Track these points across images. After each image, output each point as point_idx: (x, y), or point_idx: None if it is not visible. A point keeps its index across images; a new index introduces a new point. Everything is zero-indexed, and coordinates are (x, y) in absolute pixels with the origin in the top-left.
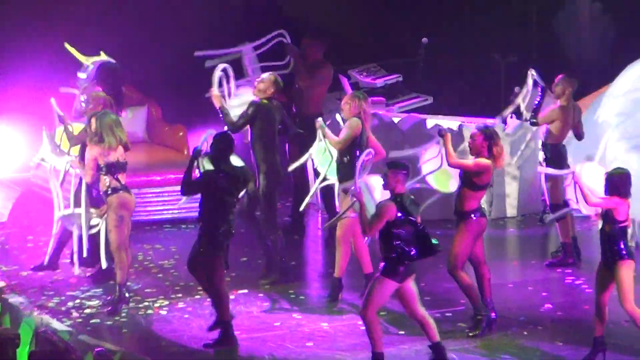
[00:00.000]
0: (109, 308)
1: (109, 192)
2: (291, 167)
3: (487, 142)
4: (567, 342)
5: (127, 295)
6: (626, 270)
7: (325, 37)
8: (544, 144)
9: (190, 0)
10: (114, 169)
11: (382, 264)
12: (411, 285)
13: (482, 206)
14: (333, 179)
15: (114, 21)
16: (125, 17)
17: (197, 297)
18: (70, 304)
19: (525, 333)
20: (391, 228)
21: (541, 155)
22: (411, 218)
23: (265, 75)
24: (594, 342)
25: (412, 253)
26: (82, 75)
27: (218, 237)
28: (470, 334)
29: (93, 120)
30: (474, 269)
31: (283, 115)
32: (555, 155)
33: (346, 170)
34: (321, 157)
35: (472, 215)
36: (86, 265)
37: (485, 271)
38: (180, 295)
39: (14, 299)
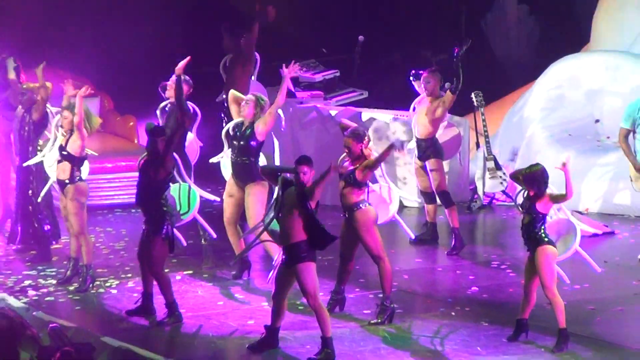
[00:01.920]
0: (79, 287)
1: (67, 181)
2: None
3: (360, 145)
4: (493, 322)
5: (92, 275)
6: (546, 256)
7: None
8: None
9: None
10: (79, 160)
11: (297, 251)
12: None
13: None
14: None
15: (67, 17)
16: (79, 12)
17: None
18: (26, 282)
19: (452, 314)
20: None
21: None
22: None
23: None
24: (518, 323)
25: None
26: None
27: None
28: (372, 322)
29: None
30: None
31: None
32: (436, 148)
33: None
34: None
35: (361, 205)
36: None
37: (352, 265)
38: (130, 275)
39: None
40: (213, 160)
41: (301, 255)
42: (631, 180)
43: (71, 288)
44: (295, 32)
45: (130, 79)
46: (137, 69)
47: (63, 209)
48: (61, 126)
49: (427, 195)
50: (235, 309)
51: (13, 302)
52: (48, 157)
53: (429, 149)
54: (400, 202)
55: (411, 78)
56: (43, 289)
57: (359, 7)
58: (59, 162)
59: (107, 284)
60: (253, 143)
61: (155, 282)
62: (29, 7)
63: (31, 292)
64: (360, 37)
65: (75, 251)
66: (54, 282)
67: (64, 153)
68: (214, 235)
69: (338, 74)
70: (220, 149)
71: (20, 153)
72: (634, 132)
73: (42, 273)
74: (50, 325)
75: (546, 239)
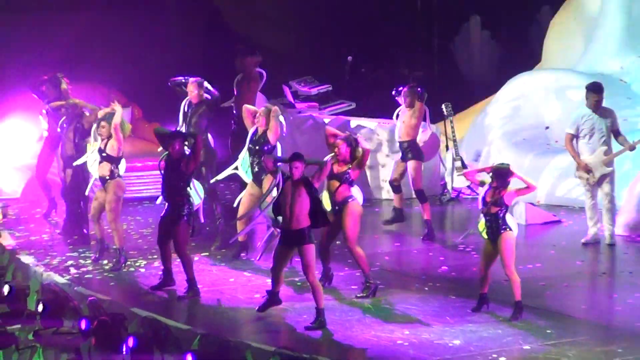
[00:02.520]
0: (114, 266)
1: (108, 177)
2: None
3: (350, 148)
4: (459, 296)
5: (125, 256)
6: (509, 240)
7: (257, 55)
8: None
9: (161, 22)
10: (117, 160)
11: (302, 235)
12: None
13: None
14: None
15: (101, 39)
16: (112, 37)
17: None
18: (69, 262)
19: (426, 289)
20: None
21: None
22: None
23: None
24: (480, 296)
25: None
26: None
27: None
28: (358, 295)
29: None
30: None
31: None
32: (416, 150)
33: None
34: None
35: (351, 199)
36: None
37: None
38: (155, 256)
39: (25, 258)
40: (228, 171)
41: (306, 238)
42: (575, 177)
43: (106, 267)
44: (295, 53)
45: (156, 92)
46: (161, 84)
47: (101, 201)
48: (99, 134)
49: (394, 187)
50: (244, 285)
51: (58, 279)
52: (90, 158)
53: (409, 150)
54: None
55: (394, 93)
56: (83, 267)
57: (349, 32)
58: (100, 162)
59: (137, 264)
60: (266, 147)
61: (176, 261)
62: (68, 30)
63: (73, 271)
64: (349, 57)
65: (100, 234)
66: (91, 262)
67: (104, 155)
68: (202, 220)
69: (330, 88)
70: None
71: (70, 156)
72: (578, 137)
73: (82, 255)
74: (89, 298)
75: (508, 227)
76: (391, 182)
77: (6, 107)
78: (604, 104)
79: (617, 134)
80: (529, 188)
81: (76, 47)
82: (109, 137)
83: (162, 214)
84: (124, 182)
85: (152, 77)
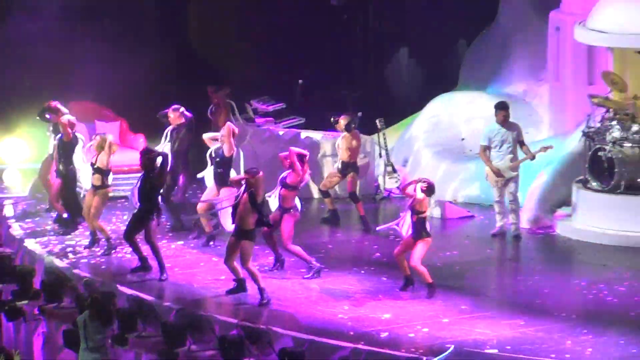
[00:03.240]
0: (104, 252)
1: (99, 186)
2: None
3: (300, 160)
4: (389, 277)
5: (112, 245)
6: (426, 243)
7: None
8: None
9: (144, 47)
10: (106, 172)
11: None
12: None
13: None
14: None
15: (96, 58)
16: (102, 58)
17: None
18: (68, 249)
19: (362, 272)
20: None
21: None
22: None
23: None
24: (405, 278)
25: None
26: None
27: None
28: (305, 277)
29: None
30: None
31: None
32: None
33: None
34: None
35: (291, 210)
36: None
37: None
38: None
39: (31, 246)
40: (199, 175)
41: (250, 236)
42: (486, 179)
43: (98, 253)
44: (254, 76)
45: (140, 108)
46: (145, 102)
47: (90, 203)
48: (95, 149)
49: (323, 193)
50: (212, 268)
51: (58, 263)
52: (83, 170)
53: (349, 168)
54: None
55: (332, 120)
56: (79, 254)
57: (300, 59)
58: (93, 174)
59: (124, 251)
60: (222, 159)
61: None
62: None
63: (71, 256)
64: (300, 81)
65: (94, 228)
66: (86, 249)
67: (95, 167)
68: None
69: (284, 106)
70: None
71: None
72: (490, 148)
73: (78, 243)
74: (84, 279)
75: (428, 233)
76: (321, 190)
77: (15, 120)
78: (510, 119)
79: (522, 144)
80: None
81: (70, 67)
82: (99, 153)
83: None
84: (109, 190)
85: (137, 95)
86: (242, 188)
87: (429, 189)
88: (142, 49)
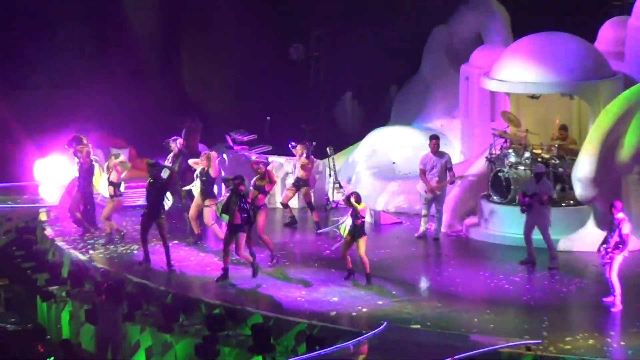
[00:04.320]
0: (105, 243)
1: (112, 195)
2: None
3: (267, 172)
4: (336, 270)
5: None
6: (364, 242)
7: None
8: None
9: (151, 85)
10: (117, 184)
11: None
12: None
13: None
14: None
15: (107, 96)
16: (112, 92)
17: (153, 244)
18: (89, 245)
19: (316, 265)
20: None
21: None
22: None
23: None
24: (349, 270)
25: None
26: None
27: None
28: (269, 264)
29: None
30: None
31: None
32: (307, 182)
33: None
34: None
35: (262, 207)
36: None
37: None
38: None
39: (60, 243)
40: (185, 188)
41: (241, 229)
42: (424, 193)
43: (112, 249)
44: (232, 113)
45: (147, 137)
46: (148, 132)
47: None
48: (107, 168)
49: (284, 205)
50: (200, 261)
51: (81, 257)
52: (102, 184)
53: (303, 182)
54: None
55: (290, 146)
56: (97, 250)
57: (268, 101)
58: (108, 185)
59: (132, 248)
60: (208, 179)
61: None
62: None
63: (91, 252)
64: (268, 118)
65: (109, 229)
66: (102, 245)
67: (109, 181)
68: None
69: (256, 136)
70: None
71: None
72: (425, 171)
73: (96, 242)
74: (100, 269)
75: (365, 233)
76: (282, 204)
77: (49, 147)
78: (441, 148)
79: (449, 170)
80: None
81: (88, 102)
82: (110, 170)
83: (142, 215)
84: (121, 200)
85: (144, 126)
86: (230, 192)
87: (358, 198)
88: (146, 89)
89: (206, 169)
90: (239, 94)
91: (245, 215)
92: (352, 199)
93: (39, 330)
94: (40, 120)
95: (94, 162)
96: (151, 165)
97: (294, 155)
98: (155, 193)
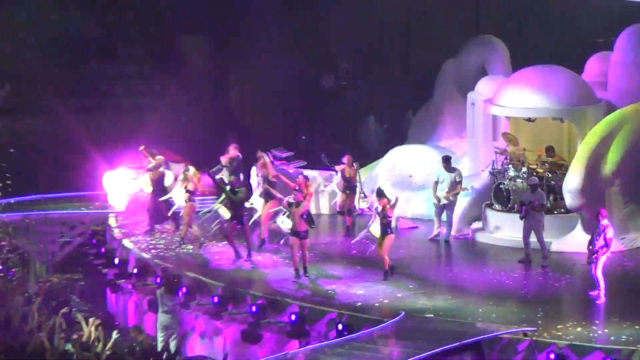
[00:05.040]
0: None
1: (187, 201)
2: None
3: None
4: (362, 267)
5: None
6: (390, 239)
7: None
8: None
9: (203, 107)
10: (192, 192)
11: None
12: None
13: None
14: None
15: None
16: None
17: (207, 245)
18: (150, 245)
19: (344, 262)
20: None
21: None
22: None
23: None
24: (390, 268)
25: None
26: None
27: None
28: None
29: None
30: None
31: None
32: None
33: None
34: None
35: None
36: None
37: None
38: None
39: (127, 244)
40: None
41: (306, 235)
42: (433, 202)
43: (177, 250)
44: (273, 133)
45: (199, 152)
46: (201, 148)
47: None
48: (183, 179)
49: (340, 212)
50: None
51: (145, 255)
52: (178, 193)
53: (350, 189)
54: None
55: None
56: (158, 250)
57: (303, 123)
58: (185, 193)
59: (187, 248)
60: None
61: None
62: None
63: (153, 251)
64: (303, 137)
65: (184, 232)
66: (162, 245)
67: (186, 189)
68: None
69: (292, 153)
70: None
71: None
72: (437, 183)
73: (158, 242)
74: (161, 266)
75: (391, 231)
76: (338, 210)
77: (116, 161)
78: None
79: (459, 183)
80: (393, 208)
81: (150, 123)
82: (186, 181)
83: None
84: (194, 205)
85: (196, 143)
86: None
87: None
88: (199, 111)
89: (265, 174)
90: (278, 116)
91: (309, 223)
92: (385, 200)
93: (108, 318)
94: (109, 138)
95: (164, 171)
96: (220, 185)
97: (326, 169)
98: (234, 208)
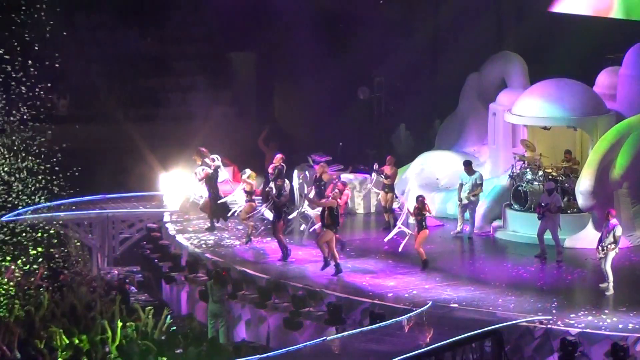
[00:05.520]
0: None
1: (247, 200)
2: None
3: (343, 187)
4: (393, 261)
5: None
6: (423, 234)
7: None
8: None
9: (249, 117)
10: (250, 193)
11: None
12: None
13: None
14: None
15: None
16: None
17: (254, 241)
18: (202, 241)
19: (377, 257)
20: None
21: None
22: None
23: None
24: (422, 262)
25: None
26: None
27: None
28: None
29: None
30: None
31: None
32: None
33: None
34: None
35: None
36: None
37: None
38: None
39: (181, 239)
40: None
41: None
42: (457, 200)
43: (220, 244)
44: (312, 140)
45: (245, 157)
46: (248, 153)
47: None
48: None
49: (385, 208)
50: (306, 256)
51: (197, 250)
52: (238, 194)
53: (389, 188)
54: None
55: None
56: (209, 244)
57: (339, 130)
58: (244, 193)
59: (237, 244)
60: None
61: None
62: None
63: (204, 246)
64: (340, 143)
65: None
66: (212, 241)
67: (245, 190)
68: None
69: (330, 158)
70: None
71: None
72: (462, 185)
73: (207, 238)
74: (211, 260)
75: (426, 227)
76: (385, 207)
77: (170, 165)
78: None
79: (479, 185)
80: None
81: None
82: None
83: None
84: (254, 205)
85: (243, 149)
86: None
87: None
88: (246, 120)
89: (319, 175)
90: (318, 124)
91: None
92: (421, 201)
93: (163, 306)
94: (164, 144)
95: (219, 170)
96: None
97: (362, 172)
98: (277, 210)
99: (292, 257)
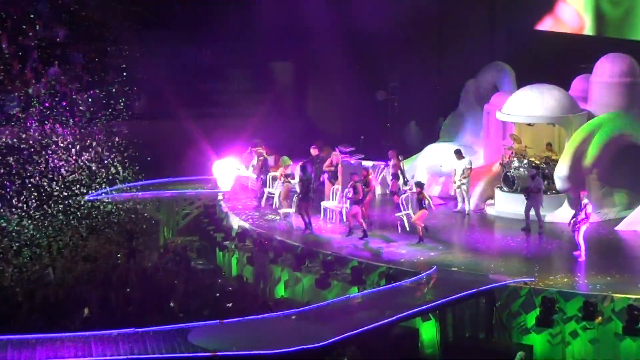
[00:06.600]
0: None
1: (283, 182)
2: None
3: (366, 173)
4: (405, 233)
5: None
6: (424, 212)
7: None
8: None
9: (287, 116)
10: (289, 176)
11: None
12: None
13: None
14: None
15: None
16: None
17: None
18: (248, 216)
19: (391, 230)
20: None
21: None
22: None
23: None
24: (425, 229)
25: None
26: None
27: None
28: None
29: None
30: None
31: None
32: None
33: None
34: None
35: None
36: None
37: None
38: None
39: (230, 214)
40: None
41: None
42: (454, 182)
43: (264, 218)
44: (339, 134)
45: (284, 147)
46: (286, 143)
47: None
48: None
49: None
50: (320, 227)
51: (245, 224)
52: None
53: (395, 176)
54: None
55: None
56: (254, 219)
57: (361, 127)
58: (282, 176)
59: (276, 217)
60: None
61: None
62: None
63: (250, 221)
64: (362, 137)
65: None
66: (256, 216)
67: (281, 174)
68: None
69: (354, 149)
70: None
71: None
72: (456, 169)
73: (254, 214)
74: (256, 231)
75: (426, 206)
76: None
77: (223, 153)
78: (463, 156)
79: (469, 169)
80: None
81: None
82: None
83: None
84: (290, 186)
85: (282, 140)
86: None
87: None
88: (284, 117)
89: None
90: (344, 121)
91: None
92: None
93: (217, 269)
94: (217, 137)
95: (267, 158)
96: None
97: (381, 160)
98: (306, 191)
99: (321, 229)
